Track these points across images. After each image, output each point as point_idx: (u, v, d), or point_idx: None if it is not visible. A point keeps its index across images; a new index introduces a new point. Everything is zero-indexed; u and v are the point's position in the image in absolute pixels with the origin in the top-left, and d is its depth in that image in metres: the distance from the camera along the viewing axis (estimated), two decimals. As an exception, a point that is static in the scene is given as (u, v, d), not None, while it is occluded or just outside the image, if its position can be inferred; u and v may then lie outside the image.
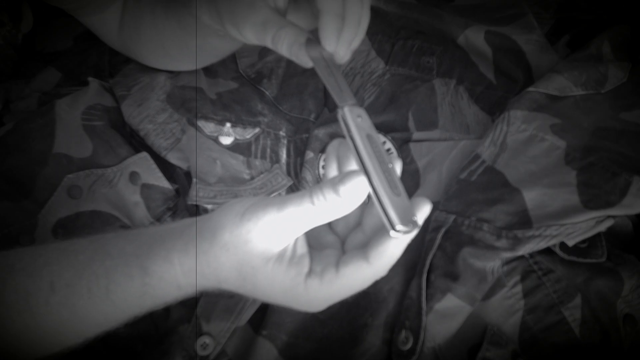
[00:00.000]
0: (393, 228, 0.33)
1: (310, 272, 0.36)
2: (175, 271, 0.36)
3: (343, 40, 0.44)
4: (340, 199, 0.34)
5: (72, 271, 0.36)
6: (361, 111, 0.37)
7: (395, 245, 0.35)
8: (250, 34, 0.46)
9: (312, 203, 0.34)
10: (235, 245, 0.35)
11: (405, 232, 0.33)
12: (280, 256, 0.36)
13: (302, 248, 0.37)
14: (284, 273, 0.35)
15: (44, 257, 0.37)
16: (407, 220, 0.33)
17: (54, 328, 0.37)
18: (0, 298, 0.35)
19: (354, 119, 0.36)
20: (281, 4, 0.46)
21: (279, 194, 0.58)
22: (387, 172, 0.35)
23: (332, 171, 0.40)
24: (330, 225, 0.41)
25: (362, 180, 0.34)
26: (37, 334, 0.37)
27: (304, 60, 0.42)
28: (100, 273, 0.36)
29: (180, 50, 0.59)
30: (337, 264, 0.36)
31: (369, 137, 0.36)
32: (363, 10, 0.44)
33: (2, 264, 0.37)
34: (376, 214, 0.36)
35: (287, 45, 0.43)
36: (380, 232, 0.35)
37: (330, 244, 0.39)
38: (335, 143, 0.39)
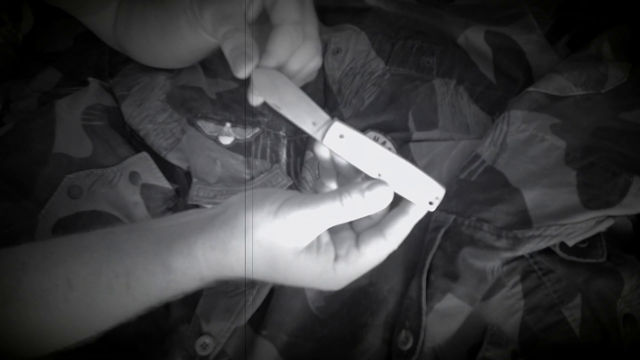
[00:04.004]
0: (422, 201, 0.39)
1: (336, 257, 0.39)
2: (200, 266, 0.37)
3: (299, 54, 0.45)
4: (366, 202, 0.38)
5: (88, 269, 0.37)
6: (338, 127, 0.39)
7: (408, 221, 0.40)
8: (209, 19, 0.47)
9: (342, 204, 0.37)
10: (269, 242, 0.37)
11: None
12: (309, 248, 0.38)
13: (326, 237, 0.40)
14: (315, 262, 0.38)
15: (55, 254, 0.37)
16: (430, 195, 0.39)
17: (71, 323, 0.37)
18: (15, 295, 0.35)
19: (338, 145, 0.39)
20: (250, 14, 0.46)
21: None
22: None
23: (328, 169, 0.42)
24: None
25: (387, 188, 0.38)
26: (53, 328, 0.37)
27: (238, 67, 0.42)
28: (120, 271, 0.37)
29: (162, 40, 0.58)
30: (358, 245, 0.39)
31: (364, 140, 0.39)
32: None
33: (12, 261, 0.37)
34: None
35: (232, 47, 0.43)
36: (395, 211, 0.40)
37: (342, 225, 0.41)
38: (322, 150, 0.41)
